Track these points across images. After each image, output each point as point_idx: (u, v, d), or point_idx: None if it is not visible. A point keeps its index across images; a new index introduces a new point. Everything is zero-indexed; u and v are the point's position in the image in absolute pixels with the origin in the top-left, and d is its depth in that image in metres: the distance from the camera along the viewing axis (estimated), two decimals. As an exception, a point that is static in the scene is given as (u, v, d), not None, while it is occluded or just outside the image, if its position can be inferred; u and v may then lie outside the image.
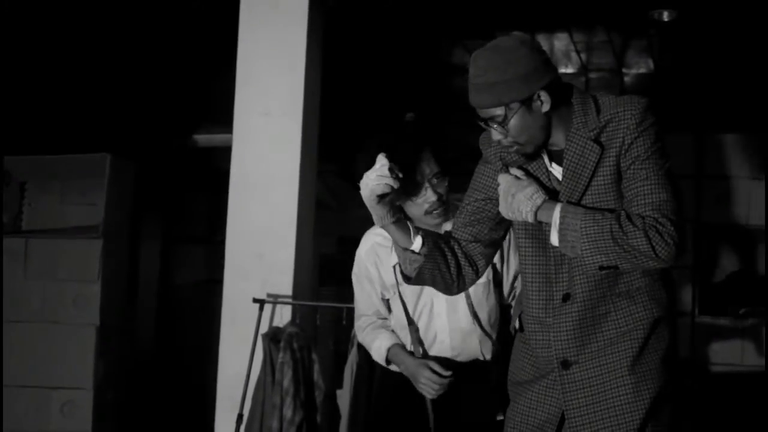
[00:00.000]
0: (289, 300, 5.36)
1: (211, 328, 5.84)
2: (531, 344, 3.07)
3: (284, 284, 5.42)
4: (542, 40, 7.01)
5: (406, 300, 3.73)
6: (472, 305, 3.67)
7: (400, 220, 3.01)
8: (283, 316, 5.39)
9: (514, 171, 2.92)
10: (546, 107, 2.83)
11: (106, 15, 6.60)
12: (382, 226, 3.01)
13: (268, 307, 5.39)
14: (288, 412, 4.90)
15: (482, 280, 3.56)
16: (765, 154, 6.42)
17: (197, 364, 7.41)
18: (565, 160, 2.90)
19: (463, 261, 3.09)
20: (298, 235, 5.47)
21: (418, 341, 3.72)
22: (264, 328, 5.30)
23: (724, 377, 6.13)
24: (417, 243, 3.01)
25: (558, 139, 2.93)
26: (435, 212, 3.53)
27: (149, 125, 8.32)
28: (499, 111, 2.83)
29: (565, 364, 2.96)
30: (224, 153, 5.83)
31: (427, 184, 3.49)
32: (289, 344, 4.94)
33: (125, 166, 6.88)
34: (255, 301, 5.30)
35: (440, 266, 3.05)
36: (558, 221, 2.80)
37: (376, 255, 3.75)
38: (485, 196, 3.09)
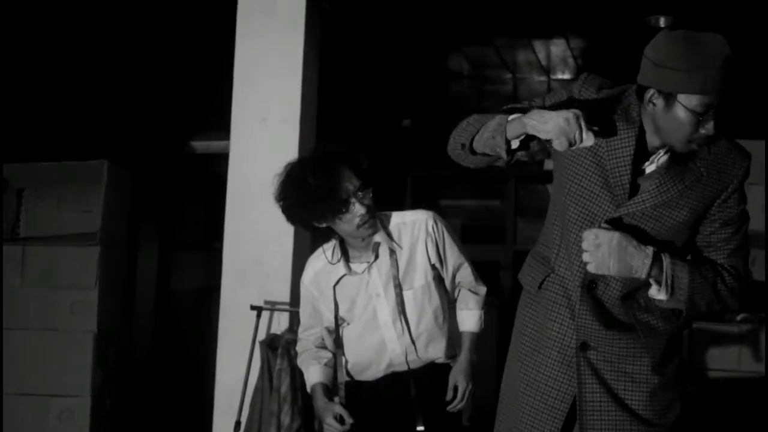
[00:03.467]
0: (287, 307, 5.36)
1: (209, 335, 5.84)
2: (547, 309, 3.04)
3: (282, 291, 5.42)
4: (539, 45, 7.03)
5: (346, 319, 3.77)
6: (416, 310, 3.71)
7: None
8: (281, 323, 5.39)
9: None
10: None
11: (104, 22, 6.61)
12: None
13: (265, 314, 5.38)
14: (286, 419, 4.90)
15: (421, 282, 3.69)
16: (762, 160, 6.42)
17: (195, 371, 7.40)
18: (666, 170, 2.87)
19: None
20: (295, 242, 5.47)
21: (346, 370, 3.80)
22: (261, 335, 5.30)
23: (722, 382, 6.13)
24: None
25: (654, 141, 2.87)
26: (366, 224, 3.59)
27: (146, 132, 8.32)
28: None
29: (584, 346, 2.95)
30: (222, 159, 5.84)
31: (353, 199, 3.54)
32: (287, 351, 4.94)
33: (122, 172, 6.88)
34: (253, 308, 5.30)
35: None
36: (670, 277, 2.80)
37: (319, 284, 3.80)
38: None
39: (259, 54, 5.61)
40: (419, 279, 3.72)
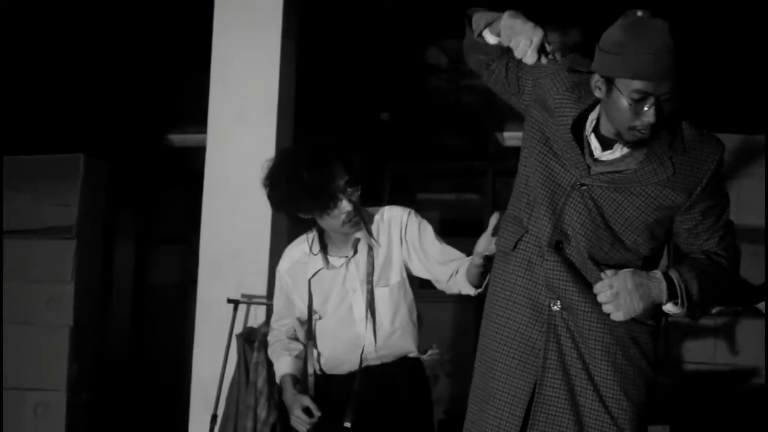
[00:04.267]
0: (264, 300, 5.36)
1: (186, 328, 5.82)
2: (521, 268, 3.04)
3: (259, 285, 5.42)
4: (516, 39, 7.02)
5: (319, 312, 3.79)
6: (391, 306, 3.74)
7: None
8: (258, 316, 5.39)
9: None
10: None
11: (80, 14, 6.57)
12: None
13: (242, 308, 5.38)
14: (262, 413, 4.89)
15: (397, 279, 3.72)
16: (738, 154, 6.45)
17: (172, 365, 7.38)
18: (641, 165, 2.87)
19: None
20: (272, 235, 5.47)
21: (320, 364, 3.81)
22: (238, 328, 5.30)
23: (697, 375, 6.16)
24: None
25: (609, 129, 2.88)
26: (351, 222, 3.62)
27: (123, 125, 8.29)
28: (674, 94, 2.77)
29: (555, 304, 2.94)
30: (199, 153, 5.82)
31: (341, 195, 3.56)
32: (264, 344, 4.93)
33: (99, 166, 6.86)
34: (229, 301, 5.29)
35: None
36: (684, 291, 2.82)
37: (294, 275, 3.82)
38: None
39: (237, 47, 5.60)
40: (395, 276, 3.75)
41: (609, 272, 2.83)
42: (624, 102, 2.75)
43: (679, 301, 2.82)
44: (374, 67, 7.73)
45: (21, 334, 6.39)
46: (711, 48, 7.03)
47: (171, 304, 8.40)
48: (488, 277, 3.41)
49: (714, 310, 6.30)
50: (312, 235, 3.81)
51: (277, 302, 3.95)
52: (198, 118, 5.94)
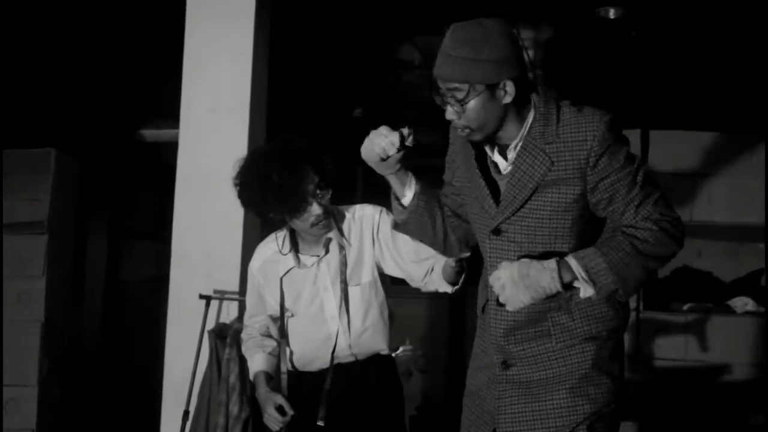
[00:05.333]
0: (236, 296, 5.35)
1: (158, 324, 5.80)
2: (485, 331, 3.07)
3: (231, 280, 5.41)
4: (490, 36, 7.03)
5: (291, 310, 3.80)
6: (363, 305, 3.76)
7: (401, 169, 3.07)
8: (230, 312, 5.38)
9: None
10: (508, 99, 2.80)
11: (51, 10, 6.54)
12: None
13: (214, 304, 5.37)
14: (234, 409, 4.88)
15: (368, 278, 3.74)
16: (710, 151, 6.49)
17: (144, 361, 7.36)
18: (514, 165, 2.88)
19: (448, 228, 3.14)
20: (244, 231, 5.46)
21: (291, 362, 3.83)
22: (210, 324, 5.29)
23: (668, 372, 6.19)
24: (407, 198, 3.07)
25: (507, 134, 2.90)
26: (320, 224, 3.64)
27: (95, 119, 8.24)
28: (462, 88, 2.79)
29: (505, 365, 2.97)
30: (172, 148, 5.80)
31: (311, 199, 3.57)
32: (236, 340, 4.92)
33: (70, 160, 6.83)
34: (201, 297, 5.28)
35: (426, 226, 3.10)
36: (583, 272, 2.76)
37: (266, 273, 3.83)
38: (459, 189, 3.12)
39: (209, 43, 5.59)
40: (366, 275, 3.76)
41: (503, 264, 2.82)
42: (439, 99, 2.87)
43: (583, 283, 2.77)
44: (347, 63, 7.73)
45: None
46: (655, 45, 7.08)
47: (143, 299, 8.37)
48: (464, 275, 3.44)
49: (685, 307, 6.34)
50: (282, 234, 3.81)
51: (250, 299, 3.96)
52: (170, 114, 5.92)
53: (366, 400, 3.77)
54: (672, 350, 6.23)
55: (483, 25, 2.83)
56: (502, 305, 2.87)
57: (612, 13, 6.46)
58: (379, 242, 3.75)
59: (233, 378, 4.93)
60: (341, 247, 3.73)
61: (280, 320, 3.80)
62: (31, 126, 7.52)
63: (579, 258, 2.77)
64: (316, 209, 3.58)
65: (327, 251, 3.74)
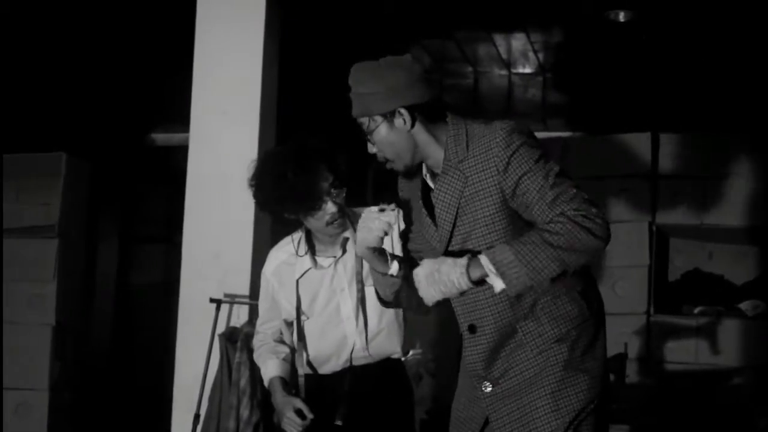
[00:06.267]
0: (246, 300, 5.35)
1: (169, 328, 5.81)
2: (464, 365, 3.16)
3: (241, 284, 5.40)
4: (500, 39, 7.03)
5: (307, 312, 3.79)
6: (378, 306, 3.73)
7: (378, 248, 3.09)
8: (240, 316, 5.37)
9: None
10: (407, 126, 2.95)
11: (62, 13, 6.55)
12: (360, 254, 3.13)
13: (225, 307, 5.37)
14: (245, 413, 4.88)
15: None
16: (720, 153, 6.47)
17: (154, 365, 7.37)
18: (435, 189, 3.00)
19: None
20: (255, 234, 5.46)
21: (307, 362, 3.83)
22: (221, 328, 5.29)
23: (679, 375, 6.18)
24: (394, 267, 3.10)
25: (435, 161, 3.02)
26: (335, 223, 3.63)
27: (105, 124, 8.27)
28: (364, 122, 3.00)
29: (486, 386, 3.02)
30: (182, 152, 5.80)
31: (326, 197, 3.57)
32: (246, 344, 4.92)
33: (81, 165, 6.84)
34: (212, 301, 5.28)
35: (413, 290, 3.09)
36: (491, 266, 2.80)
37: (280, 276, 3.82)
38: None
39: (219, 46, 5.59)
40: None
41: (423, 261, 2.93)
42: None
43: (491, 275, 2.80)
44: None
45: (3, 333, 6.35)
46: (665, 48, 7.07)
47: (153, 303, 8.39)
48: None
49: (696, 310, 6.33)
50: (298, 236, 3.80)
51: (263, 305, 3.94)
52: (181, 117, 5.93)
53: (379, 404, 3.78)
54: (683, 354, 6.22)
55: (376, 62, 3.04)
56: (473, 333, 3.00)
57: (622, 17, 6.45)
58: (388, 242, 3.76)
59: (244, 382, 4.93)
60: None
61: (296, 323, 3.79)
62: (42, 130, 7.54)
63: (489, 253, 2.82)
64: (331, 207, 3.57)
65: (344, 251, 3.74)
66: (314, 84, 7.48)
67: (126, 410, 7.98)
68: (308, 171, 3.55)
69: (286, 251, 3.82)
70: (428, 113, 2.98)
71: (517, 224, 2.92)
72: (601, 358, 3.03)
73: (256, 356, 4.01)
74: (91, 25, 6.80)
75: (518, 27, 6.82)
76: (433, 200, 3.02)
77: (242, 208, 5.46)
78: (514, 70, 7.76)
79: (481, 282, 2.85)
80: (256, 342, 3.99)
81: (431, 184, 3.07)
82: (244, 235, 5.45)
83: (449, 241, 2.99)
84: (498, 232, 2.91)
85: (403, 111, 2.94)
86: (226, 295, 5.36)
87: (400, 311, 3.82)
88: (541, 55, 7.40)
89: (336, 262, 3.74)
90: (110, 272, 8.55)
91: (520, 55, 7.41)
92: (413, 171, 3.07)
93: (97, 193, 7.41)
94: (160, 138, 8.57)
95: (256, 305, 5.24)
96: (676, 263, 6.89)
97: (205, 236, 5.48)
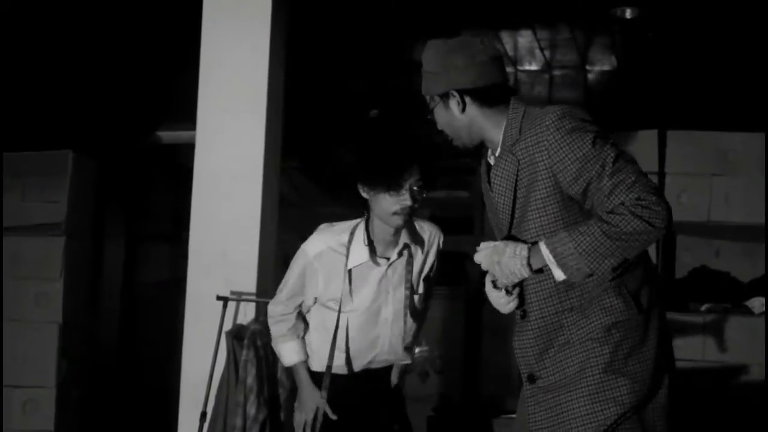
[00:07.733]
0: (253, 297, 5.35)
1: (175, 325, 5.81)
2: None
3: (248, 281, 5.41)
4: (506, 37, 7.03)
5: (350, 309, 3.79)
6: (413, 314, 3.82)
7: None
8: (247, 313, 5.38)
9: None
10: (460, 108, 3.02)
11: (68, 11, 6.55)
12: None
13: (231, 305, 5.37)
14: (252, 410, 4.89)
15: (422, 290, 3.86)
16: (727, 151, 6.46)
17: (161, 362, 7.38)
18: (492, 173, 3.05)
19: None
20: (261, 232, 5.46)
21: (345, 349, 3.83)
22: (228, 325, 5.29)
23: (685, 372, 6.17)
24: (511, 306, 3.05)
25: (493, 143, 3.07)
26: (402, 215, 3.62)
27: (112, 121, 8.27)
28: (428, 100, 3.09)
29: (531, 378, 3.01)
30: (188, 150, 5.81)
31: (407, 186, 3.57)
32: (253, 342, 4.92)
33: (88, 162, 6.84)
34: (219, 298, 5.28)
35: None
36: (552, 257, 2.83)
37: (323, 260, 3.79)
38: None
39: (225, 43, 5.59)
40: (421, 286, 3.83)
41: (481, 246, 3.00)
42: None
43: (552, 266, 2.84)
44: (363, 64, 7.73)
45: (9, 331, 6.37)
46: (672, 45, 7.06)
47: (160, 301, 8.39)
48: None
49: (703, 307, 6.32)
50: (358, 229, 3.78)
51: (291, 279, 3.90)
52: (187, 115, 5.93)
53: (385, 406, 3.84)
54: (689, 351, 6.20)
55: (445, 41, 3.06)
56: (523, 319, 3.02)
57: (628, 13, 6.44)
58: (434, 261, 3.87)
59: (251, 379, 4.93)
60: (410, 255, 3.74)
61: (338, 313, 3.77)
62: (49, 128, 7.54)
63: (549, 243, 2.85)
64: (407, 199, 3.59)
65: (399, 255, 3.74)
66: (321, 81, 7.48)
67: (133, 408, 7.99)
68: (404, 159, 3.61)
69: (339, 240, 3.78)
70: (485, 97, 3.02)
71: (572, 209, 2.93)
72: (650, 361, 2.98)
73: (271, 323, 3.99)
74: (98, 23, 6.81)
75: (525, 24, 6.82)
76: (491, 184, 3.06)
77: (249, 205, 5.47)
78: (520, 68, 7.75)
79: (541, 270, 2.91)
80: (279, 314, 3.95)
81: (492, 161, 3.11)
82: (250, 232, 5.45)
83: (510, 223, 3.01)
84: (549, 216, 2.93)
85: (455, 93, 3.01)
86: (232, 293, 5.36)
87: (421, 324, 3.93)
88: (547, 53, 7.40)
89: (390, 264, 3.75)
90: (117, 270, 8.55)
91: (526, 53, 7.41)
92: (475, 149, 3.15)
93: (104, 191, 7.42)
94: (167, 136, 8.55)
95: (263, 303, 5.27)
96: (683, 260, 6.87)
97: (211, 234, 5.48)
